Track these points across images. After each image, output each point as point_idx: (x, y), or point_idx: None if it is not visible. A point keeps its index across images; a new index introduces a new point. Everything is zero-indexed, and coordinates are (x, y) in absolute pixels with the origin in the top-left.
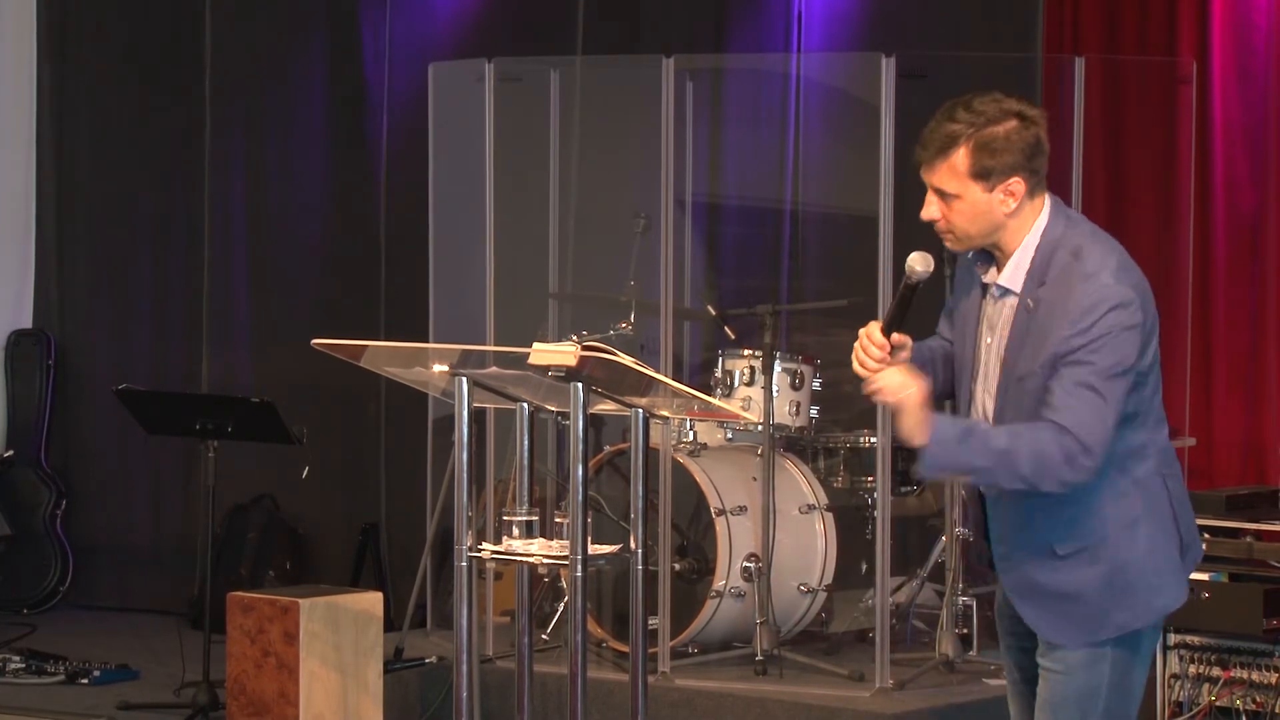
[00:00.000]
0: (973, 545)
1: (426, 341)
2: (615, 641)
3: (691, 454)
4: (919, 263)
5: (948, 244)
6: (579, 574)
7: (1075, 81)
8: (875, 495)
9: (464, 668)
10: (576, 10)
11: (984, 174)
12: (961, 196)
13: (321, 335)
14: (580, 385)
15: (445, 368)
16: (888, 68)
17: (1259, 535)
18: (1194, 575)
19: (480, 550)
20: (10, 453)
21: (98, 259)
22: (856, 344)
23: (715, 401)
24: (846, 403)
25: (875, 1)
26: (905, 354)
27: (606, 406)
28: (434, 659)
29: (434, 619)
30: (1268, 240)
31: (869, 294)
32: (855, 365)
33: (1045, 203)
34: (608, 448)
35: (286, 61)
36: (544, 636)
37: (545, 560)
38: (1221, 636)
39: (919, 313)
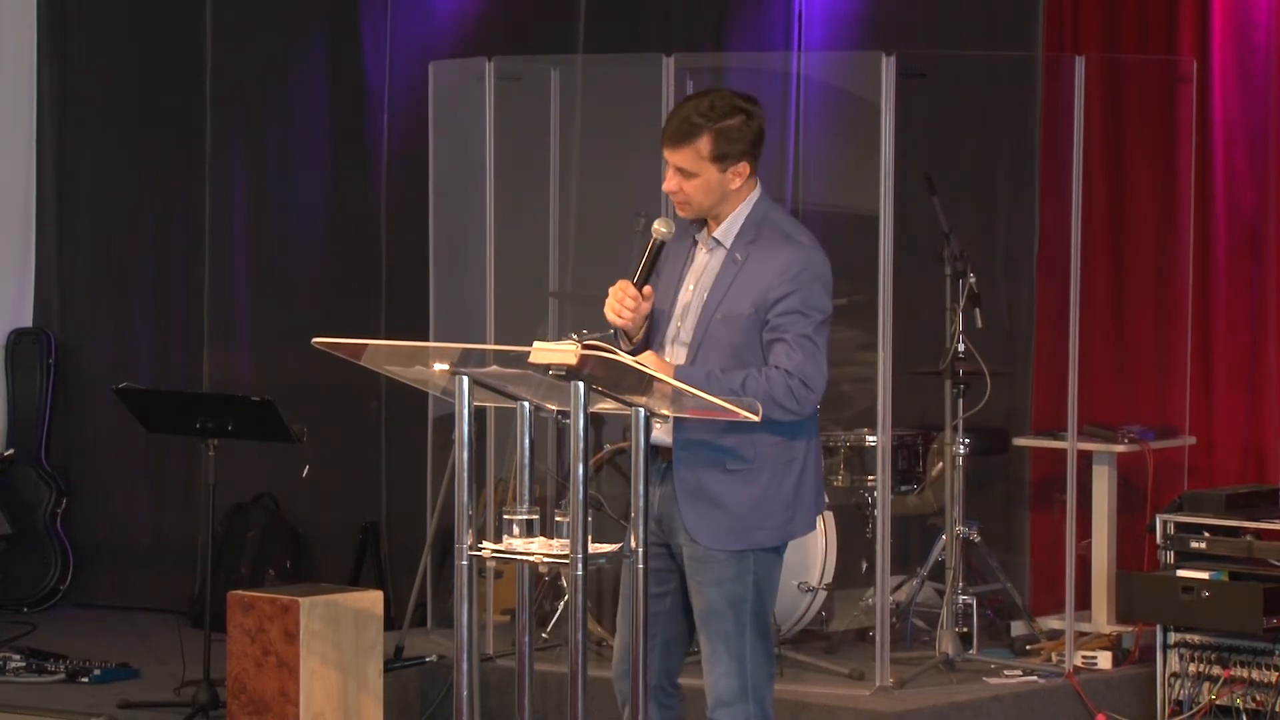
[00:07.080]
0: (973, 545)
1: (427, 340)
2: (615, 640)
3: None
4: (664, 225)
5: (680, 212)
6: (579, 573)
7: (1075, 80)
8: (875, 494)
9: (464, 666)
10: (577, 9)
11: (721, 158)
12: (700, 175)
13: (322, 334)
14: (580, 384)
15: (446, 366)
16: (888, 67)
17: (1259, 534)
18: (1194, 574)
19: (481, 549)
20: (10, 451)
21: (98, 258)
22: (611, 298)
23: (716, 400)
24: (846, 402)
25: (875, 0)
26: (648, 305)
27: (607, 405)
28: (434, 658)
29: (434, 618)
30: (1268, 239)
31: (869, 292)
32: (610, 315)
33: (757, 183)
34: (608, 446)
35: (287, 60)
36: (544, 635)
37: (545, 559)
38: (1221, 635)
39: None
